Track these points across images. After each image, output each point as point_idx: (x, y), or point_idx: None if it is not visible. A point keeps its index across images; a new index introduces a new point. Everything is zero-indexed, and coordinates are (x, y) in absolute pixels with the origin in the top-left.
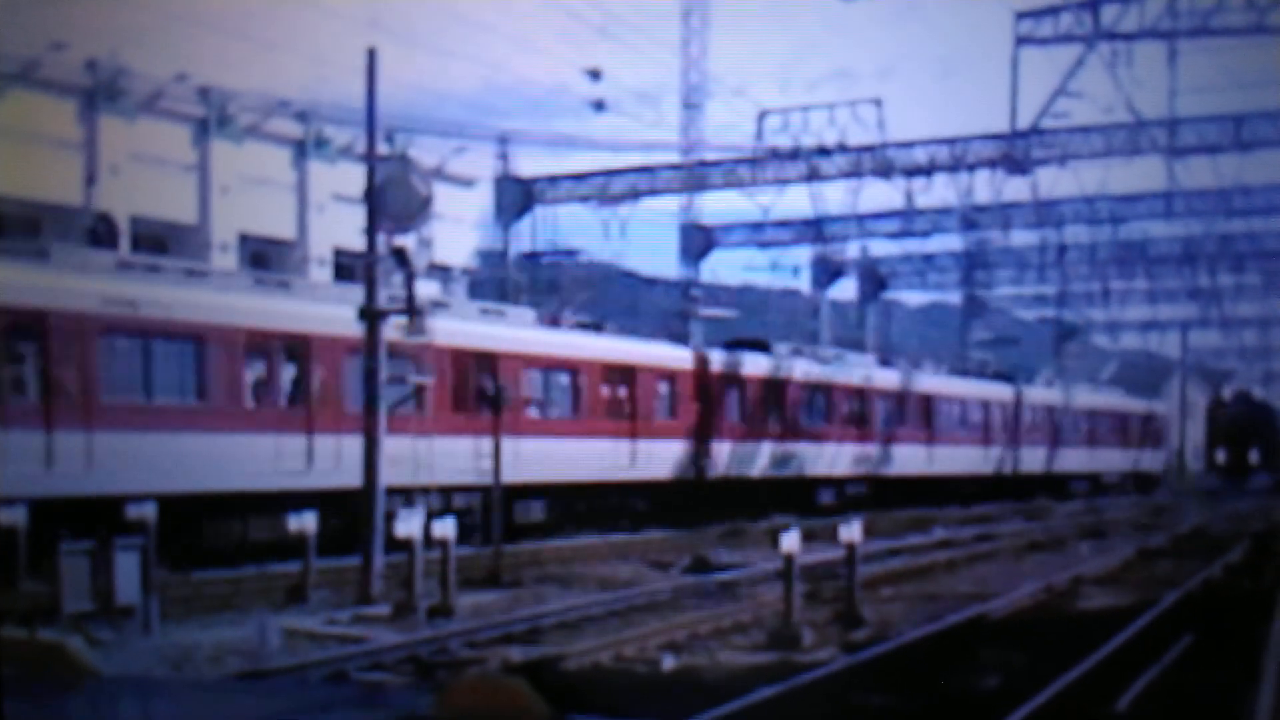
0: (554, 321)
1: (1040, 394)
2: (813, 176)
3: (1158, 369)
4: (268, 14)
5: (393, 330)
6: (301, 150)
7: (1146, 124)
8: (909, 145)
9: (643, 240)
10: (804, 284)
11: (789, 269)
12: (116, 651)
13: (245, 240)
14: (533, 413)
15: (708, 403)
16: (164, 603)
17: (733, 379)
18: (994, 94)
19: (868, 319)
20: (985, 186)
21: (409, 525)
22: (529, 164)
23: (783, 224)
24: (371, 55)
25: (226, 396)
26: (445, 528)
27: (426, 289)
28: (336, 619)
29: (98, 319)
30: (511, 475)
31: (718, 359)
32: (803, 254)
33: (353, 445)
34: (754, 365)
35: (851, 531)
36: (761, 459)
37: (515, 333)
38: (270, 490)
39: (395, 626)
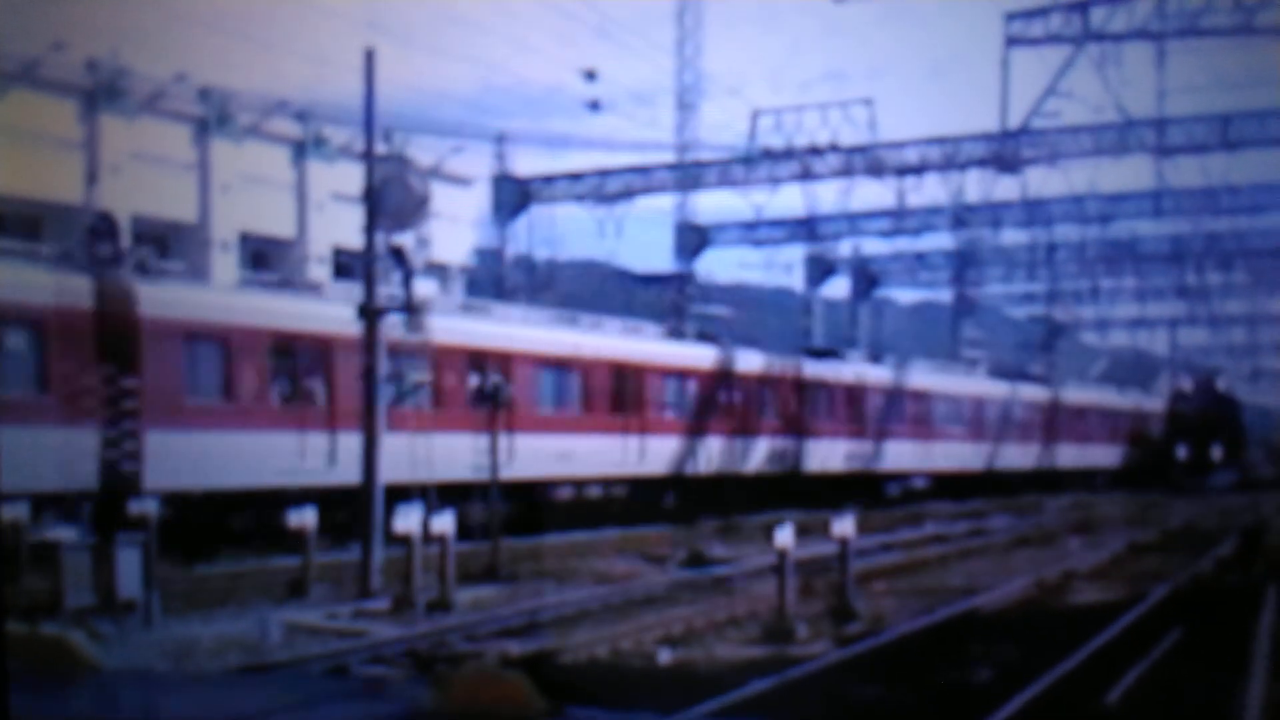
0: (677, 334)
1: (1073, 394)
2: (805, 176)
3: (1146, 366)
4: (267, 15)
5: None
6: (301, 150)
7: (1135, 124)
8: (900, 145)
9: (637, 239)
10: (797, 282)
11: (782, 267)
12: (118, 646)
13: (245, 239)
14: (668, 415)
15: (803, 405)
16: (165, 597)
17: (822, 384)
18: (984, 94)
19: (859, 317)
20: (976, 186)
21: (408, 521)
22: (526, 163)
23: (776, 223)
24: (370, 56)
25: (449, 402)
26: (444, 523)
27: (425, 287)
28: (337, 613)
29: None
30: (644, 468)
31: (809, 367)
32: (795, 252)
33: (539, 442)
34: (833, 371)
35: (845, 526)
36: (843, 454)
37: (652, 347)
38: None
39: (395, 621)
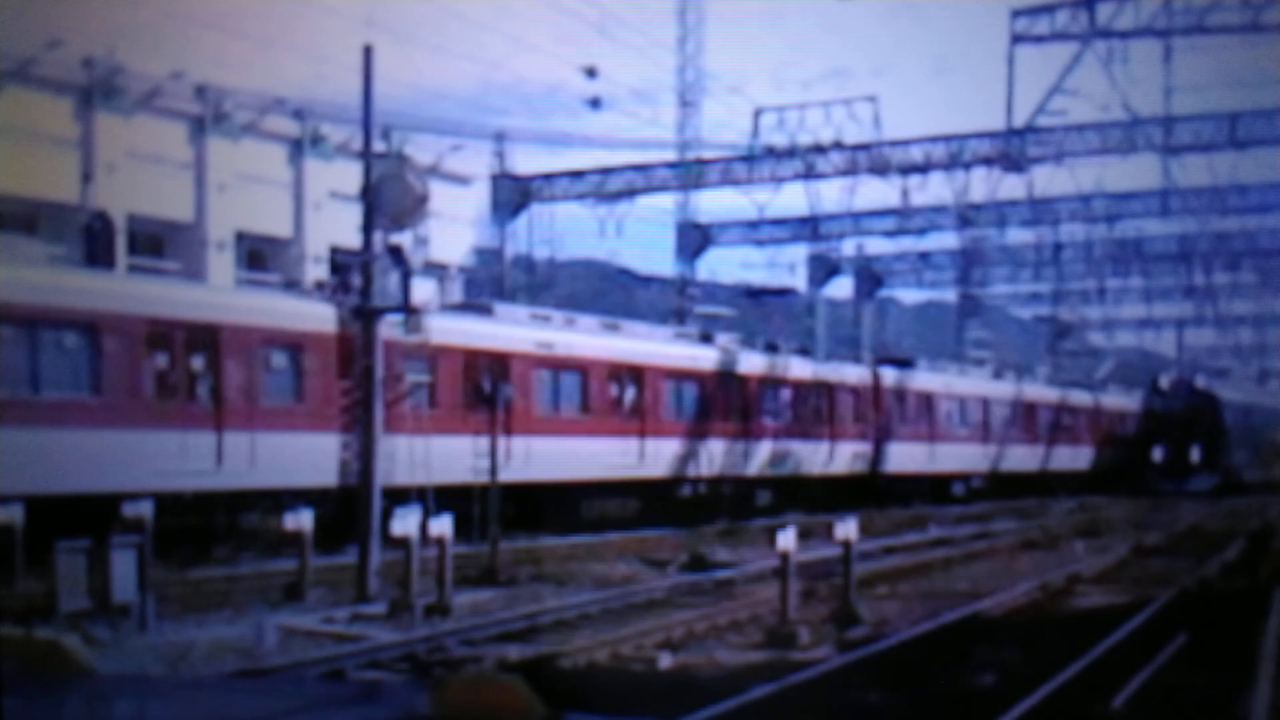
0: (773, 348)
1: (1116, 401)
2: (809, 174)
3: (1153, 367)
4: (264, 12)
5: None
6: (298, 148)
7: (1142, 122)
8: (905, 143)
9: (639, 238)
10: (800, 282)
11: (785, 267)
12: (113, 650)
13: (241, 238)
14: (770, 421)
15: (884, 412)
16: (160, 601)
17: (901, 393)
18: (990, 92)
19: (863, 317)
20: (981, 184)
21: (405, 524)
22: (525, 162)
23: (779, 222)
24: (368, 53)
25: (603, 409)
26: (442, 526)
27: (423, 287)
28: (333, 617)
29: (536, 358)
30: (749, 470)
31: (889, 376)
32: (799, 252)
33: (670, 445)
34: (911, 380)
35: (847, 529)
36: (918, 457)
37: (757, 358)
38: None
39: (392, 625)
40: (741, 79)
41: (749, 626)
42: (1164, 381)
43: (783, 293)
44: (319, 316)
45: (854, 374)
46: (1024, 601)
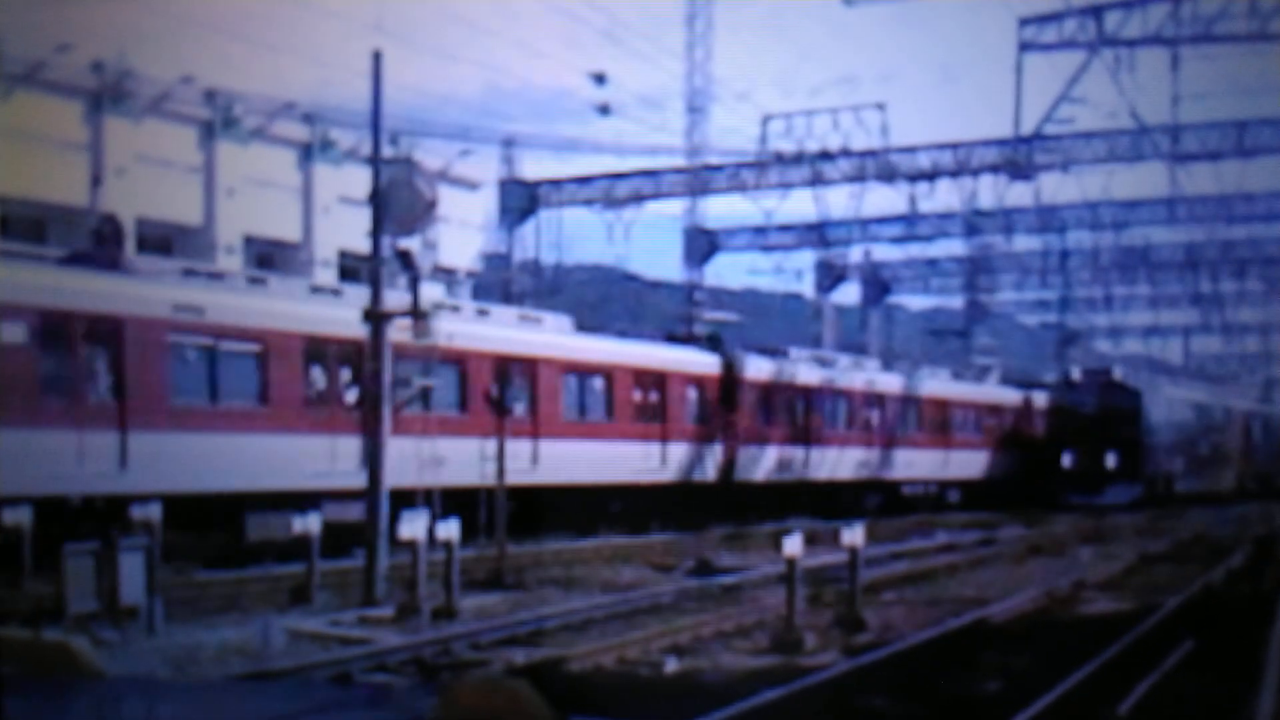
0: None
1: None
2: (816, 181)
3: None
4: (273, 17)
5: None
6: (307, 153)
7: (1149, 130)
8: (912, 150)
9: (647, 244)
10: (807, 288)
11: (792, 273)
12: (121, 652)
13: (250, 242)
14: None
15: (1030, 426)
16: (168, 603)
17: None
18: (997, 99)
19: (870, 323)
20: (989, 191)
21: (413, 527)
22: (533, 167)
23: (786, 228)
24: (377, 59)
25: (861, 426)
26: (449, 529)
27: (431, 291)
28: (340, 620)
29: (829, 390)
30: (946, 475)
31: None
32: (806, 258)
33: (896, 453)
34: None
35: (854, 535)
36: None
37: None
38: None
39: (399, 628)
40: (750, 85)
41: (755, 632)
42: (1076, 374)
43: (961, 334)
44: (711, 363)
45: (1038, 398)
46: (1030, 608)
